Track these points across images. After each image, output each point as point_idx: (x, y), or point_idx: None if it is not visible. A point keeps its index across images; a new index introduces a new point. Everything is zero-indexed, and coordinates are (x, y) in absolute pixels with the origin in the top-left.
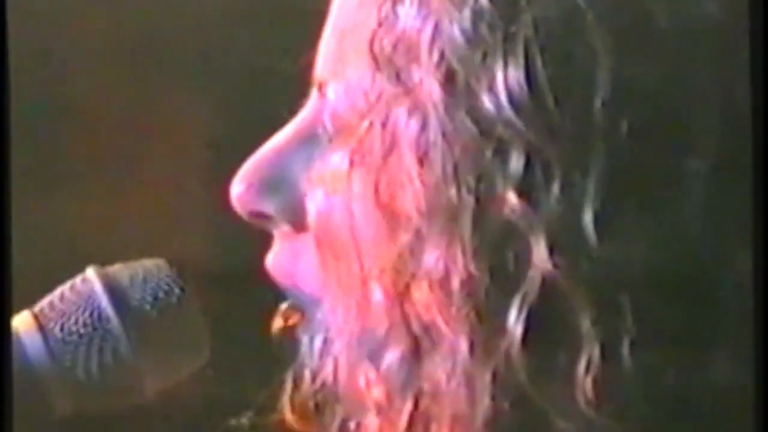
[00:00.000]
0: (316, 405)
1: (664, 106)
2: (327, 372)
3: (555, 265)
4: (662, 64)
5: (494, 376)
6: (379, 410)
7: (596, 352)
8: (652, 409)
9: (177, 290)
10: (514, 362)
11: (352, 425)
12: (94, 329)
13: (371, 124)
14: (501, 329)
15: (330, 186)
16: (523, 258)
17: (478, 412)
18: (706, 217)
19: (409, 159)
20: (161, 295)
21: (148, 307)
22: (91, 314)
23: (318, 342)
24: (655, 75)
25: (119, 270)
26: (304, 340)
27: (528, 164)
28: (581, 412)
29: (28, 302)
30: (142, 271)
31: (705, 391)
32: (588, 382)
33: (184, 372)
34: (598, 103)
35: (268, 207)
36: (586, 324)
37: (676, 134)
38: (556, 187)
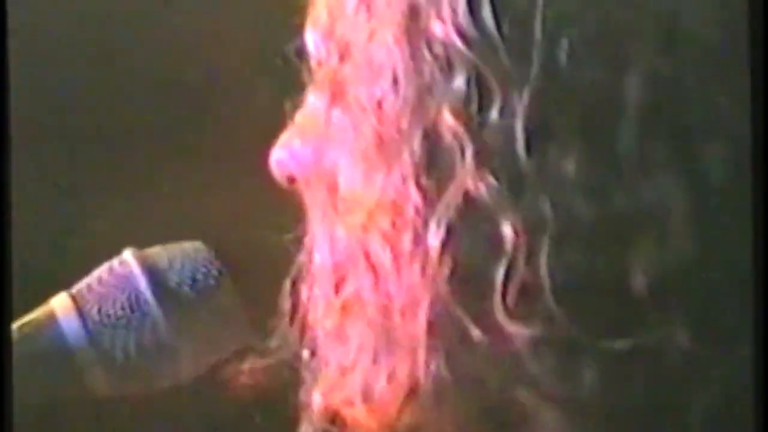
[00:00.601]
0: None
1: (605, 27)
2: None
3: (481, 178)
4: None
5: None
6: (334, 339)
7: (519, 263)
8: (570, 320)
9: (215, 272)
10: (434, 271)
11: (306, 354)
12: (132, 311)
13: (342, 59)
14: (424, 241)
15: (310, 127)
16: (450, 172)
17: (418, 328)
18: (639, 136)
19: (375, 89)
20: (199, 277)
21: (186, 288)
22: (129, 296)
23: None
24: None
25: (157, 252)
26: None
27: (470, 86)
28: (498, 323)
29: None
30: (180, 254)
31: (622, 299)
32: (509, 294)
33: (221, 354)
34: (538, 26)
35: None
36: (508, 234)
37: (617, 52)
38: (495, 108)
